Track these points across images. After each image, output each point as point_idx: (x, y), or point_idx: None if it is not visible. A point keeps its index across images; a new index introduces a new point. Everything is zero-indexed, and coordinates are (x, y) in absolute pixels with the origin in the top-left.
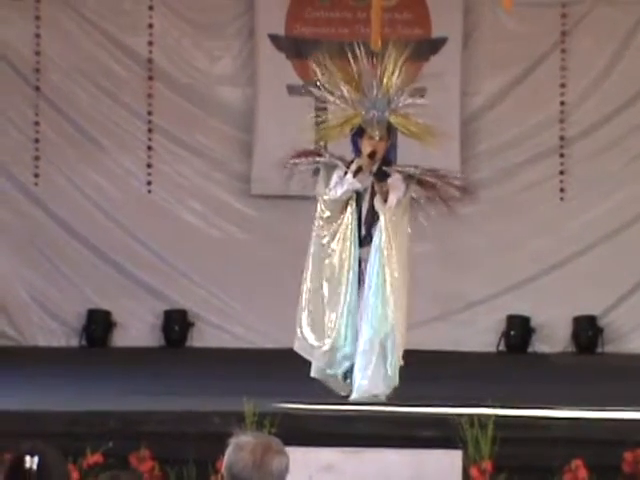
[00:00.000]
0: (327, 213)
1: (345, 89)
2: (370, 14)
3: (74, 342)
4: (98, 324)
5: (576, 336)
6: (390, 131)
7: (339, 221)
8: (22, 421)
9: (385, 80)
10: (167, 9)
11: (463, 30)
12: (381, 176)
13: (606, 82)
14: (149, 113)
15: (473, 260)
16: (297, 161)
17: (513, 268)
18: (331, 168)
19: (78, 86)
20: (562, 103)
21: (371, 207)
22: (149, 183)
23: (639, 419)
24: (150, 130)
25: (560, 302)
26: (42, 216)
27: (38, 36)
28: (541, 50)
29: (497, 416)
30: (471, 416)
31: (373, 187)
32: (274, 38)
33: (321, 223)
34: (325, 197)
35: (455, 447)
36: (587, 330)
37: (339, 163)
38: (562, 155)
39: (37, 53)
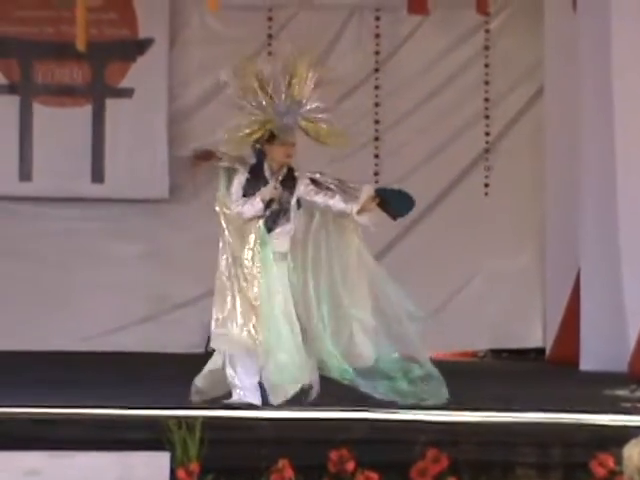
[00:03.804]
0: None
1: (258, 95)
2: (75, 13)
3: None
4: None
5: None
6: None
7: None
8: None
9: (293, 84)
10: None
11: (170, 31)
12: (291, 181)
13: None
14: None
15: (181, 260)
16: (198, 165)
17: None
18: (232, 172)
19: None
20: None
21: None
22: None
23: (344, 418)
24: None
25: None
26: None
27: None
28: (248, 53)
29: (205, 417)
30: (179, 418)
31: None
32: None
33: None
34: (228, 212)
35: (163, 449)
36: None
37: (240, 168)
38: None
39: None
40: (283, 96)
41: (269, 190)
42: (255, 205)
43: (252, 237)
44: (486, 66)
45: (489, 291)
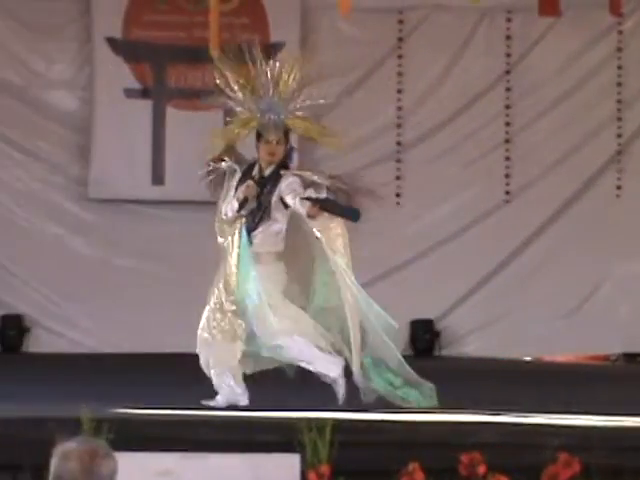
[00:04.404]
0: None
1: (240, 92)
2: (208, 18)
3: None
4: None
5: (413, 340)
6: (287, 134)
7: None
8: None
9: (281, 82)
10: (3, 11)
11: (300, 35)
12: (274, 180)
13: (442, 88)
14: None
15: None
16: (208, 169)
17: None
18: (233, 173)
19: None
20: (399, 108)
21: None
22: None
23: (475, 421)
24: None
25: (397, 306)
26: None
27: None
28: (378, 55)
29: (335, 420)
30: (309, 420)
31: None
32: (111, 41)
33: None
34: (219, 216)
35: (293, 451)
36: (424, 334)
37: (237, 168)
38: (399, 160)
39: None
40: (270, 93)
41: (242, 189)
42: (233, 205)
43: (231, 240)
44: (619, 68)
45: (621, 294)
